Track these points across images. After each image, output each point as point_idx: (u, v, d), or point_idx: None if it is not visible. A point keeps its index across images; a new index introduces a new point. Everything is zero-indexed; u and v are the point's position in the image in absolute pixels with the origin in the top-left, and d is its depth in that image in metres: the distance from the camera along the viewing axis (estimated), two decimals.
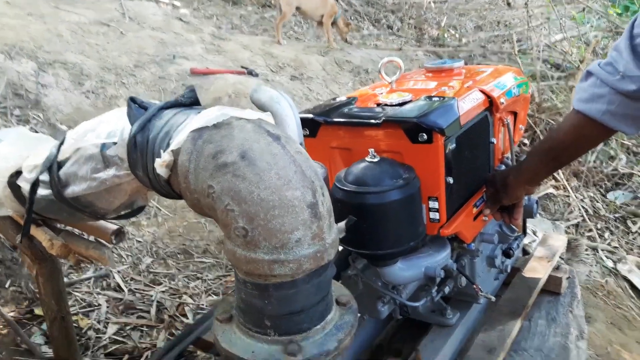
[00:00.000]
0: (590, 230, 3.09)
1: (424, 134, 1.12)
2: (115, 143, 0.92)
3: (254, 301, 0.80)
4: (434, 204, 1.18)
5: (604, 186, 3.56)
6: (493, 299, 1.41)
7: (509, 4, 8.51)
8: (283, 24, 5.19)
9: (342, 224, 0.89)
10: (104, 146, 0.94)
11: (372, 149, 1.13)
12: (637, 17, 1.05)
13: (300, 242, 0.76)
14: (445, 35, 7.02)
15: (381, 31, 6.89)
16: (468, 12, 8.20)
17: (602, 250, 2.93)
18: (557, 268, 1.82)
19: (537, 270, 1.75)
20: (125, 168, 0.92)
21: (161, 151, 0.83)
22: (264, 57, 4.65)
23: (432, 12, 7.83)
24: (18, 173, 1.22)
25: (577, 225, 3.12)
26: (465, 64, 1.65)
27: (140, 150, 0.87)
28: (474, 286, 1.36)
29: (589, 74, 1.13)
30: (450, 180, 1.17)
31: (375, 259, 1.15)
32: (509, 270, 1.63)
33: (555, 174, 3.45)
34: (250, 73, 3.97)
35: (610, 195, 3.47)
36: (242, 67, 4.12)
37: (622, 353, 1.96)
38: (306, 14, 5.44)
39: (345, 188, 1.08)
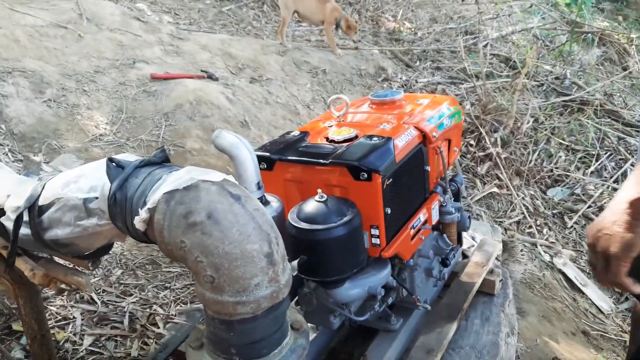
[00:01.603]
0: (530, 226, 3.37)
1: (365, 174, 1.31)
2: (96, 197, 1.06)
3: (221, 334, 0.97)
4: (375, 231, 1.37)
5: (544, 183, 3.86)
6: (429, 308, 1.62)
7: None
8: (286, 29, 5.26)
9: (295, 263, 1.06)
10: (86, 200, 1.08)
11: (320, 190, 1.30)
12: None
13: (259, 286, 0.93)
14: (402, 29, 7.23)
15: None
16: (424, 3, 8.45)
17: (541, 245, 3.21)
18: (491, 272, 2.05)
19: (473, 275, 1.97)
20: (106, 219, 1.06)
21: (139, 209, 0.98)
22: (223, 58, 4.74)
23: (389, 4, 8.04)
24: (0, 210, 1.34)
25: (518, 222, 3.40)
26: (405, 91, 1.84)
27: (119, 205, 1.02)
28: (413, 297, 1.56)
29: None
30: (389, 210, 1.36)
31: (324, 283, 1.34)
32: (446, 277, 1.86)
33: (498, 174, 3.72)
34: (210, 77, 4.06)
35: (550, 192, 3.76)
36: (202, 70, 4.21)
37: (549, 344, 2.22)
38: (305, 19, 5.50)
39: (297, 225, 1.26)
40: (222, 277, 0.92)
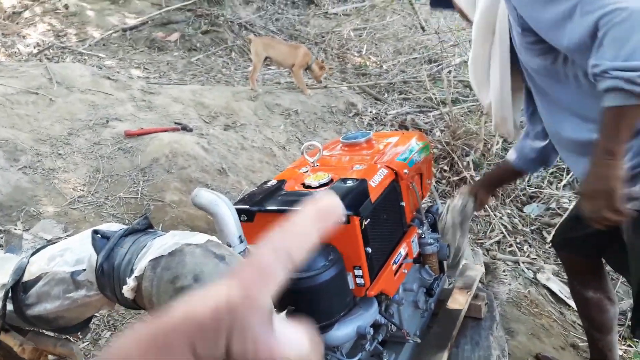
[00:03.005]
0: (511, 245, 3.44)
1: (342, 217, 1.35)
2: (84, 270, 1.09)
3: None
4: (358, 272, 1.41)
5: (519, 201, 3.96)
6: (419, 340, 1.65)
7: (422, 29, 9.13)
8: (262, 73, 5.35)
9: (283, 314, 1.10)
10: (73, 273, 1.10)
11: None
12: None
13: None
14: (367, 63, 7.44)
15: None
16: (386, 37, 8.72)
17: (523, 262, 3.28)
18: (476, 296, 2.10)
19: (459, 301, 2.02)
20: (95, 289, 1.09)
21: (126, 278, 1.01)
22: (196, 108, 4.81)
23: (353, 40, 8.28)
24: None
25: (499, 242, 3.47)
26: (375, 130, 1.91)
27: (107, 276, 1.05)
28: (403, 331, 1.59)
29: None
30: (369, 249, 1.41)
31: None
32: (433, 307, 1.89)
33: None
34: (185, 128, 4.12)
35: (526, 209, 3.86)
36: (176, 122, 4.26)
37: None
38: (277, 64, 5.63)
39: None
40: None
